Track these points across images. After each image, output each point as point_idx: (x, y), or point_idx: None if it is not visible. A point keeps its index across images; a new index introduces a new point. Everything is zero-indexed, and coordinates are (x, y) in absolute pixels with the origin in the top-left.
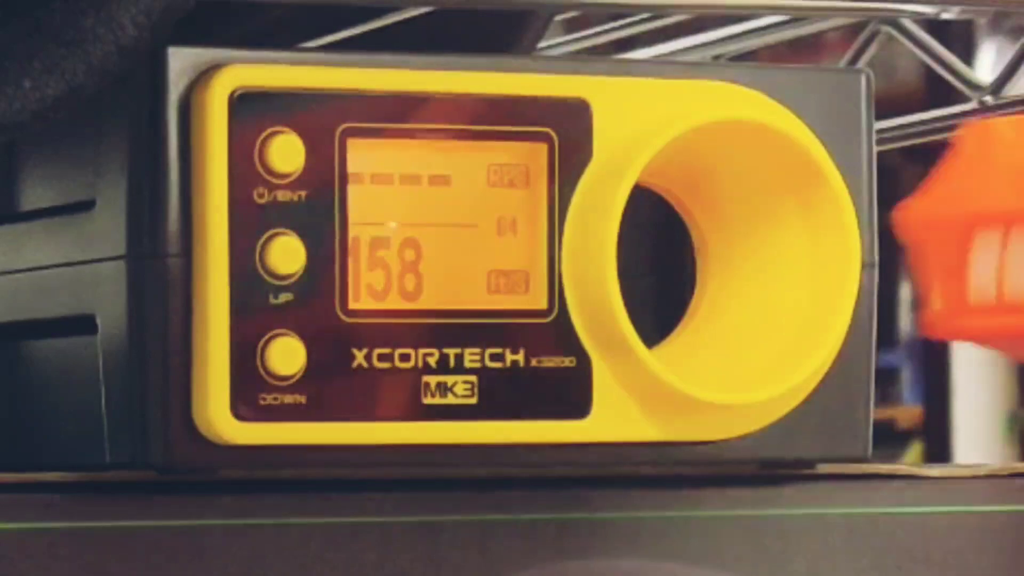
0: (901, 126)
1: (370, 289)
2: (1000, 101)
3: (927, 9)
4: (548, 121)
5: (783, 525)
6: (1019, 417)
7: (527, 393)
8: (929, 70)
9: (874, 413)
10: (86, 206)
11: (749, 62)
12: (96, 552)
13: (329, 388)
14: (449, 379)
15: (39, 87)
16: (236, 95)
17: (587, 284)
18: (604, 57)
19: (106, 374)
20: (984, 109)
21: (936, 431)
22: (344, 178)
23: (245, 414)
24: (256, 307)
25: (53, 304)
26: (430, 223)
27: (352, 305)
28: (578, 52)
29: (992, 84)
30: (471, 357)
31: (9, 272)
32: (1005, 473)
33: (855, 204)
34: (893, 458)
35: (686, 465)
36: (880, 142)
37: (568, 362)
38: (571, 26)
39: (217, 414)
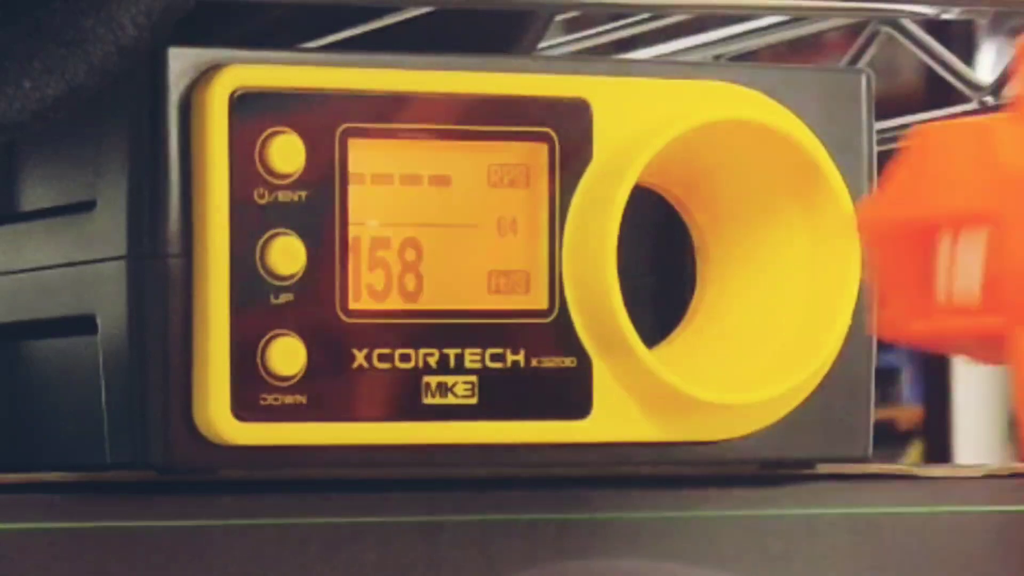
0: (901, 126)
1: (370, 289)
2: (1000, 101)
3: (927, 9)
4: (548, 121)
5: (783, 525)
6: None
7: (527, 393)
8: (929, 70)
9: (874, 413)
10: (86, 206)
11: (749, 62)
12: (96, 552)
13: (329, 388)
14: (449, 379)
15: (39, 87)
16: (236, 95)
17: (587, 284)
18: (604, 57)
19: (106, 374)
20: (984, 109)
21: (936, 431)
22: (344, 178)
23: (245, 414)
24: (256, 307)
25: (54, 304)
26: (430, 223)
27: (352, 305)
28: (578, 52)
29: (992, 84)
30: (471, 357)
31: (9, 272)
32: (1005, 473)
33: (855, 204)
34: (893, 458)
35: (686, 465)
36: (880, 142)
37: (568, 362)
38: (571, 26)
39: (217, 414)
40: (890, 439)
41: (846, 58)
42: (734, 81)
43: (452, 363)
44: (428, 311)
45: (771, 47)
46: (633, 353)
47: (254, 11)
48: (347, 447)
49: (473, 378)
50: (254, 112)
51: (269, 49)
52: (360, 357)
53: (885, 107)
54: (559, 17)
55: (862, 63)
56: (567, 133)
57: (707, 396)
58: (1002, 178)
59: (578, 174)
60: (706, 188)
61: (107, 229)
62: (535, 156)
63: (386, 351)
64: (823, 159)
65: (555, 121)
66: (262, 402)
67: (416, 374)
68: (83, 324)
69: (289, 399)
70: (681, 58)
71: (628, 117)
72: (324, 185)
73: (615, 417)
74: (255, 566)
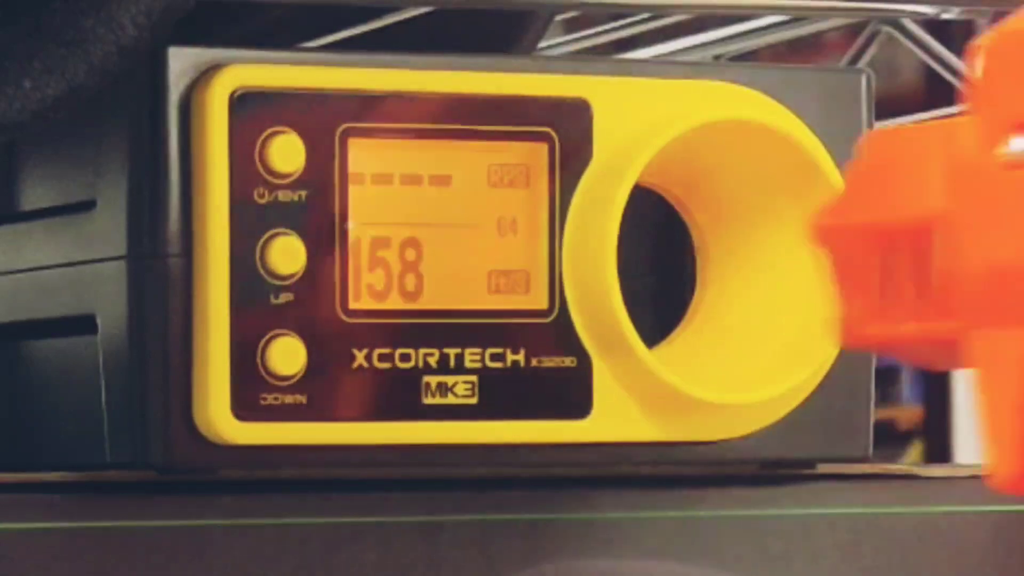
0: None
1: (370, 289)
2: None
3: (927, 9)
4: (548, 121)
5: (783, 525)
6: None
7: (527, 393)
8: (929, 70)
9: (874, 413)
10: (86, 206)
11: (749, 62)
12: (96, 552)
13: (329, 388)
14: (449, 379)
15: (39, 87)
16: (236, 95)
17: (587, 284)
18: (604, 57)
19: (106, 374)
20: None
21: (936, 431)
22: (345, 178)
23: (245, 414)
24: (256, 307)
25: (54, 304)
26: (430, 223)
27: (353, 305)
28: (578, 52)
29: None
30: (471, 357)
31: (9, 272)
32: None
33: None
34: (893, 458)
35: (686, 465)
36: None
37: (568, 362)
38: (571, 26)
39: (217, 414)
40: (890, 439)
41: (846, 58)
42: (734, 81)
43: (452, 363)
44: (428, 311)
45: (771, 47)
46: (633, 353)
47: (254, 11)
48: (347, 447)
49: (473, 378)
50: (254, 112)
51: (269, 49)
52: (360, 357)
53: (885, 107)
54: (559, 17)
55: (862, 63)
56: (567, 133)
57: (707, 396)
58: (953, 181)
59: (578, 174)
60: (706, 188)
61: (107, 229)
62: (535, 156)
63: (386, 351)
64: (823, 159)
65: (555, 121)
66: (262, 402)
67: (416, 374)
68: (83, 324)
69: (289, 399)
70: (681, 58)
71: (628, 117)
72: (324, 185)
73: (615, 417)
74: (255, 566)
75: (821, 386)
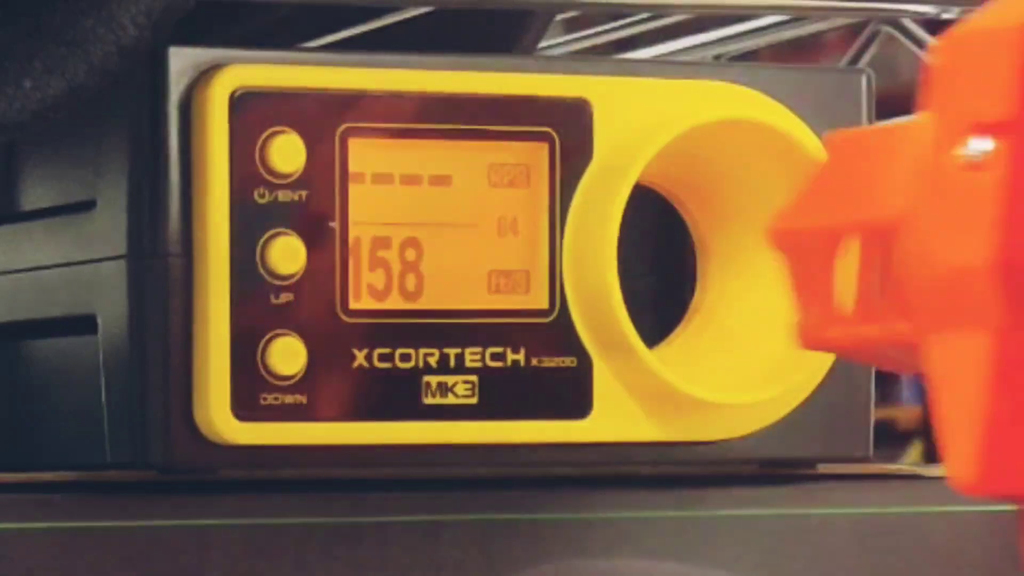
0: None
1: (371, 289)
2: None
3: (927, 9)
4: (549, 121)
5: (783, 525)
6: None
7: (527, 393)
8: None
9: (874, 413)
10: (86, 206)
11: (749, 62)
12: (96, 552)
13: (329, 388)
14: (449, 379)
15: (40, 87)
16: (237, 95)
17: (587, 284)
18: (604, 57)
19: (107, 374)
20: None
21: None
22: (344, 178)
23: (245, 414)
24: (257, 307)
25: (54, 304)
26: (431, 223)
27: (353, 305)
28: (578, 52)
29: None
30: (472, 357)
31: (9, 272)
32: None
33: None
34: (893, 458)
35: (686, 465)
36: None
37: (568, 362)
38: (571, 26)
39: (217, 414)
40: (890, 439)
41: (846, 58)
42: (734, 81)
43: (452, 363)
44: (428, 311)
45: (771, 47)
46: (633, 353)
47: (254, 11)
48: (347, 447)
49: (473, 378)
50: (254, 112)
51: (269, 49)
52: (360, 357)
53: (885, 107)
54: (559, 17)
55: (862, 63)
56: (567, 133)
57: (707, 396)
58: (912, 183)
59: (578, 174)
60: (706, 188)
61: (107, 229)
62: (535, 156)
63: (386, 351)
64: (823, 159)
65: (555, 121)
66: (262, 402)
67: (416, 374)
68: (83, 324)
69: (289, 399)
70: (681, 58)
71: (628, 117)
72: (324, 185)
73: (615, 417)
74: (255, 566)
75: (821, 386)
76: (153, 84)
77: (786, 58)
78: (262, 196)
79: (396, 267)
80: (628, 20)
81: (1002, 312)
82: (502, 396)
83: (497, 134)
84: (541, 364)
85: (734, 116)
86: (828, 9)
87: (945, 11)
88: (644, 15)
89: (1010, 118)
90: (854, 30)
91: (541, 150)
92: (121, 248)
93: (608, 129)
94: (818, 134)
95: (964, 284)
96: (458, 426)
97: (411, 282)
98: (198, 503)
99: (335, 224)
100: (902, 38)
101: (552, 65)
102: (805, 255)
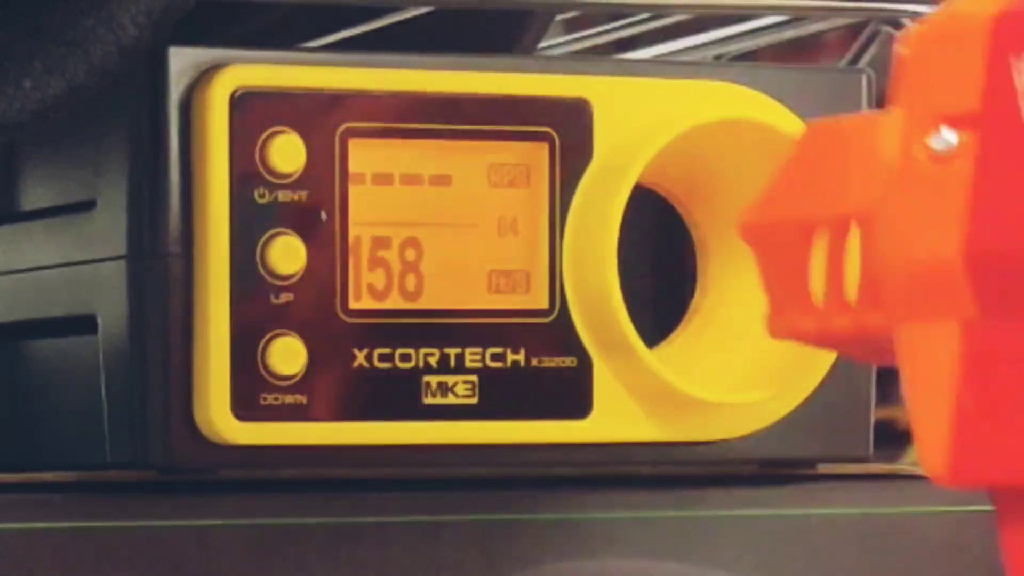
0: None
1: (371, 289)
2: None
3: (927, 9)
4: (549, 121)
5: (783, 525)
6: None
7: (527, 393)
8: None
9: (874, 413)
10: (86, 206)
11: (749, 62)
12: (96, 552)
13: (329, 388)
14: (449, 379)
15: (40, 87)
16: (237, 95)
17: (587, 284)
18: (604, 57)
19: (107, 374)
20: None
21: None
22: (344, 178)
23: (245, 414)
24: (257, 307)
25: (54, 304)
26: (431, 223)
27: (353, 305)
28: (578, 52)
29: None
30: (472, 357)
31: (9, 272)
32: None
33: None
34: (893, 458)
35: (686, 465)
36: None
37: (568, 362)
38: (571, 26)
39: (217, 414)
40: (890, 439)
41: (846, 58)
42: (734, 81)
43: (452, 363)
44: (428, 311)
45: (771, 47)
46: (633, 353)
47: (254, 11)
48: (347, 447)
49: (473, 378)
50: (254, 112)
51: (269, 49)
52: (360, 357)
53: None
54: (559, 17)
55: (862, 63)
56: (567, 133)
57: (707, 396)
58: (881, 175)
59: (578, 174)
60: (706, 188)
61: (107, 229)
62: (535, 156)
63: (386, 351)
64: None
65: (555, 121)
66: (262, 402)
67: (416, 374)
68: (83, 324)
69: (289, 399)
70: (681, 58)
71: (628, 117)
72: (324, 185)
73: (615, 417)
74: (255, 566)
75: (821, 386)
76: (153, 84)
77: (786, 58)
78: (262, 196)
79: (396, 267)
80: (628, 20)
81: (972, 303)
82: (502, 396)
83: (497, 134)
84: (541, 364)
85: (734, 116)
86: (828, 9)
87: None
88: (644, 15)
89: (977, 110)
90: (854, 30)
91: (541, 150)
92: (121, 248)
93: (608, 129)
94: None
95: (934, 275)
96: (458, 426)
97: (411, 282)
98: (198, 503)
99: (335, 224)
100: None
101: (552, 65)
102: (775, 246)
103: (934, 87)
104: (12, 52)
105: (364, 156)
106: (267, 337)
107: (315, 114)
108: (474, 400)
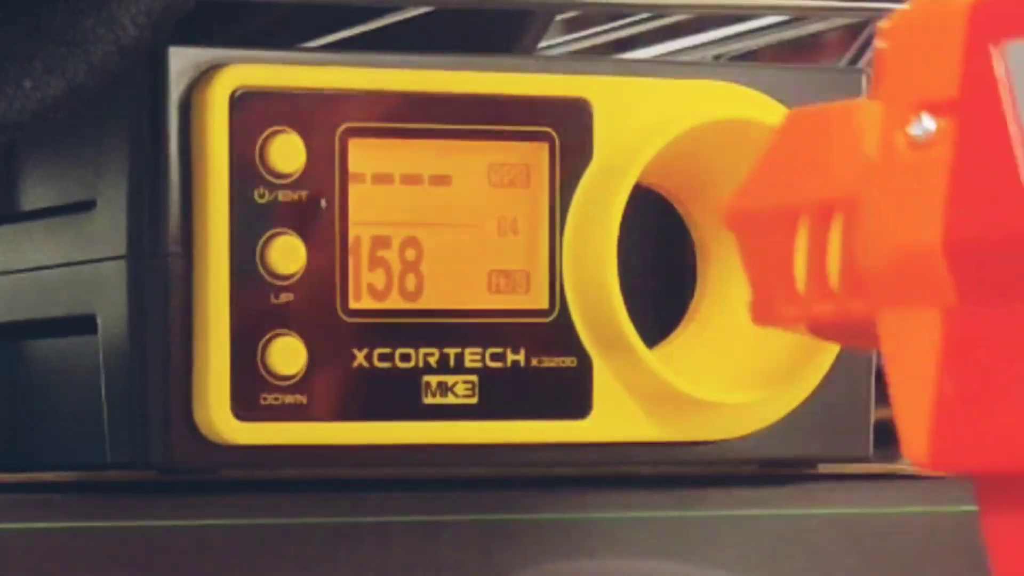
0: None
1: (371, 289)
2: None
3: None
4: (549, 121)
5: (783, 525)
6: None
7: (527, 393)
8: None
9: (874, 413)
10: (86, 206)
11: (749, 62)
12: (96, 552)
13: (329, 388)
14: (449, 379)
15: (40, 87)
16: (237, 95)
17: (587, 284)
18: (604, 57)
19: (107, 374)
20: None
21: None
22: (345, 178)
23: (245, 414)
24: (257, 307)
25: (53, 304)
26: (431, 223)
27: (353, 305)
28: (578, 52)
29: None
30: (472, 357)
31: (9, 272)
32: None
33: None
34: (893, 458)
35: (686, 465)
36: None
37: (568, 362)
38: (571, 26)
39: (217, 414)
40: (890, 439)
41: (846, 58)
42: (734, 81)
43: (452, 363)
44: (428, 311)
45: (771, 47)
46: (633, 353)
47: (254, 11)
48: (347, 447)
49: (473, 378)
50: (254, 112)
51: (269, 49)
52: (360, 356)
53: None
54: (559, 17)
55: (862, 63)
56: (567, 133)
57: (707, 396)
58: (862, 162)
59: (578, 174)
60: (706, 188)
61: (107, 229)
62: (535, 156)
63: (386, 350)
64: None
65: (555, 121)
66: (262, 402)
67: (416, 374)
68: (83, 324)
69: (289, 399)
70: (681, 58)
71: (628, 117)
72: (324, 185)
73: (615, 417)
74: (255, 566)
75: (821, 386)
76: (153, 84)
77: (786, 58)
78: (262, 196)
79: (396, 267)
80: (628, 20)
81: (951, 289)
82: (502, 396)
83: (497, 134)
84: (541, 364)
85: (734, 116)
86: (828, 9)
87: None
88: (644, 15)
89: (956, 97)
90: (854, 30)
91: (541, 150)
92: (121, 248)
93: (608, 129)
94: None
95: (914, 262)
96: (458, 426)
97: (411, 282)
98: (198, 503)
99: (335, 224)
100: None
101: (552, 65)
102: (758, 234)
103: (913, 74)
104: (12, 52)
105: (364, 156)
106: (267, 337)
107: (315, 114)
108: (474, 400)
